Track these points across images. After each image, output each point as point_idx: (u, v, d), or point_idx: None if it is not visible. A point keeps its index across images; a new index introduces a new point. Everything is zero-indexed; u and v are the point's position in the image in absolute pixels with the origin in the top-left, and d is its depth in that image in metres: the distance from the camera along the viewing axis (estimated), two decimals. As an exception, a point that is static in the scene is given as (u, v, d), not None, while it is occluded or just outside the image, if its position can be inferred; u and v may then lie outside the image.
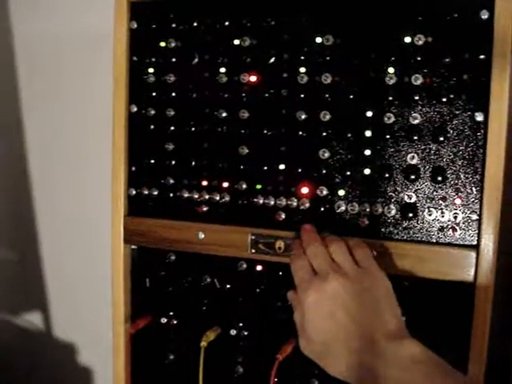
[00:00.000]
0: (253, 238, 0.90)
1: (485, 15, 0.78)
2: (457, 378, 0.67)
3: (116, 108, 0.98)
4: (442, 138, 0.81)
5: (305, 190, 0.88)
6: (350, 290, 0.72)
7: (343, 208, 0.86)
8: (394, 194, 0.84)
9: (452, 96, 0.80)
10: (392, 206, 0.84)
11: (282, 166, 0.89)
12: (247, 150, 0.91)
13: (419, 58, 0.82)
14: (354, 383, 0.71)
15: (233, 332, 0.96)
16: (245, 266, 0.93)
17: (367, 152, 0.84)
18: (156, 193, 0.97)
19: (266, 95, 0.89)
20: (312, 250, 0.78)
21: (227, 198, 0.92)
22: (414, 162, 0.82)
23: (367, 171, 0.85)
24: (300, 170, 0.88)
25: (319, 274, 0.75)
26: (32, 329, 1.79)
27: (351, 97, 0.85)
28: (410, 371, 0.66)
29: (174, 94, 0.95)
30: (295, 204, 0.88)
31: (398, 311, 0.74)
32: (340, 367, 0.72)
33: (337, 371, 0.73)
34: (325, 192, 0.86)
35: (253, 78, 0.90)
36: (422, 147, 0.82)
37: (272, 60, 0.89)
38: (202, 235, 0.93)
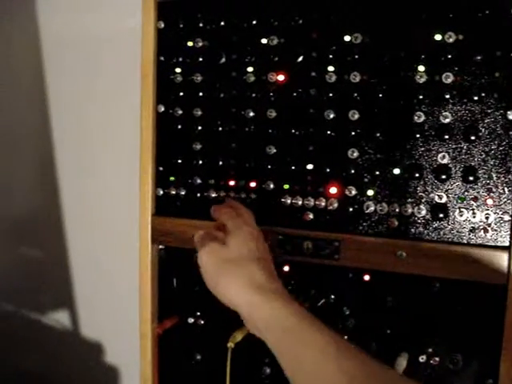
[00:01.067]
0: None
1: (517, 12, 0.77)
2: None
3: (143, 108, 0.98)
4: (473, 137, 0.80)
5: (333, 190, 0.87)
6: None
7: (372, 208, 0.85)
8: (424, 194, 0.83)
9: (483, 94, 0.79)
10: (422, 207, 0.82)
11: (309, 166, 0.88)
12: (275, 150, 0.90)
13: (450, 56, 0.80)
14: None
15: (260, 333, 0.95)
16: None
17: (397, 151, 0.83)
18: (183, 192, 0.97)
19: (294, 94, 0.89)
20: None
21: (254, 198, 0.92)
22: (445, 161, 0.81)
23: (397, 171, 0.84)
24: (328, 170, 0.87)
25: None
26: (59, 328, 1.80)
27: (380, 96, 0.84)
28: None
29: (201, 94, 0.95)
30: (323, 204, 0.87)
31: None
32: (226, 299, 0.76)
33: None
34: (353, 192, 0.86)
35: (280, 78, 0.89)
36: (453, 146, 0.81)
37: (300, 59, 0.88)
38: (229, 235, 0.92)
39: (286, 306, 0.70)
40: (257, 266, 0.75)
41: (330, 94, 0.86)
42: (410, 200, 0.83)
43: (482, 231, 0.80)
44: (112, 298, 1.66)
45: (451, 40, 0.80)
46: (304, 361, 0.66)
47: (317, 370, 0.64)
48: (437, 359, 0.85)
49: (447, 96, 0.81)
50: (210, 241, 0.78)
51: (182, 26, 0.96)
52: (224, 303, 0.76)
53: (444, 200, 0.82)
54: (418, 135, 0.82)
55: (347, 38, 0.85)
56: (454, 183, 0.81)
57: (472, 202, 0.81)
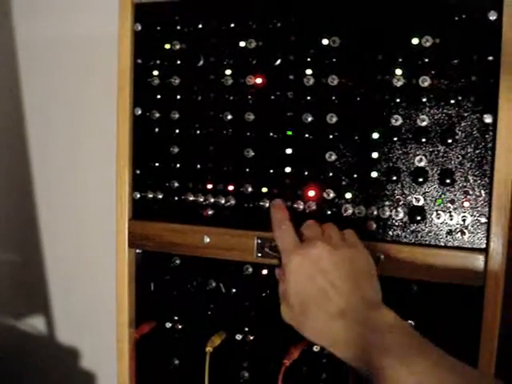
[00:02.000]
0: (259, 241, 0.89)
1: (493, 16, 0.78)
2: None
3: (120, 111, 0.97)
4: (450, 141, 0.80)
5: (311, 193, 0.87)
6: (334, 257, 0.73)
7: (350, 211, 0.85)
8: (401, 197, 0.83)
9: (460, 98, 0.80)
10: (400, 209, 0.83)
11: (288, 169, 0.88)
12: (253, 153, 0.90)
13: (427, 60, 0.81)
14: (329, 347, 0.71)
15: (238, 337, 0.95)
16: (250, 269, 0.93)
17: (374, 154, 0.84)
18: (161, 196, 0.96)
19: (272, 97, 0.89)
20: (306, 223, 0.80)
21: (233, 202, 0.92)
22: (422, 164, 0.82)
23: (374, 174, 0.84)
24: (306, 173, 0.87)
25: (307, 240, 0.77)
26: (35, 333, 1.78)
27: (358, 99, 0.84)
28: (389, 335, 0.66)
29: (178, 97, 0.94)
30: (302, 207, 0.87)
31: (378, 285, 0.76)
32: (317, 331, 0.72)
33: (314, 335, 0.73)
34: (332, 195, 0.86)
35: (258, 81, 0.89)
36: (430, 149, 0.81)
37: (278, 62, 0.88)
38: (207, 239, 0.92)
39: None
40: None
41: (308, 97, 0.87)
42: (387, 203, 0.83)
43: (459, 233, 0.81)
44: (88, 303, 1.64)
45: (428, 44, 0.80)
46: None
47: None
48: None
49: (424, 99, 0.81)
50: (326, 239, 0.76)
51: (159, 28, 0.95)
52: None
53: (421, 203, 0.82)
54: (395, 138, 0.83)
55: (325, 42, 0.85)
56: (431, 186, 0.82)
57: (449, 205, 0.81)
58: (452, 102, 0.80)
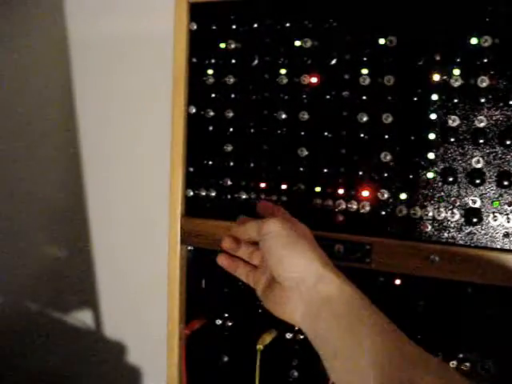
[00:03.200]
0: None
1: (555, 15, 0.76)
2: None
3: (175, 109, 0.98)
4: (508, 142, 0.79)
5: (365, 193, 0.87)
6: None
7: (405, 212, 0.84)
8: (457, 199, 0.82)
9: (519, 99, 0.79)
10: (456, 211, 0.82)
11: (342, 169, 0.88)
12: (306, 152, 0.90)
13: (485, 60, 0.80)
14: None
15: (289, 335, 0.95)
16: (302, 268, 0.92)
17: (431, 155, 0.83)
18: (214, 194, 0.97)
19: (327, 97, 0.89)
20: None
21: (285, 200, 0.92)
22: (479, 165, 0.80)
23: (430, 175, 0.83)
24: (361, 173, 0.87)
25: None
26: (82, 327, 1.81)
27: (415, 99, 0.83)
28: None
29: (233, 96, 0.95)
30: (355, 207, 0.87)
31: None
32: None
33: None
34: (386, 195, 0.85)
35: (314, 80, 0.89)
36: (488, 151, 0.80)
37: (333, 61, 0.88)
38: (259, 237, 0.92)
39: (352, 286, 0.73)
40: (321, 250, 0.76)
41: (364, 97, 0.86)
42: (443, 204, 0.83)
43: (517, 236, 0.80)
44: (136, 298, 1.66)
45: (487, 44, 0.79)
46: (348, 346, 0.67)
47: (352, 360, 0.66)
48: (468, 365, 0.84)
49: (482, 100, 0.80)
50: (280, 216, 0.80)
51: (214, 27, 0.96)
52: (281, 271, 0.75)
53: (478, 204, 0.81)
54: (452, 139, 0.82)
55: (382, 41, 0.85)
56: (489, 187, 0.80)
57: (506, 207, 0.80)
58: (511, 102, 0.79)
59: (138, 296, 1.65)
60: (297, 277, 0.73)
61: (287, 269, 0.74)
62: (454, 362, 0.85)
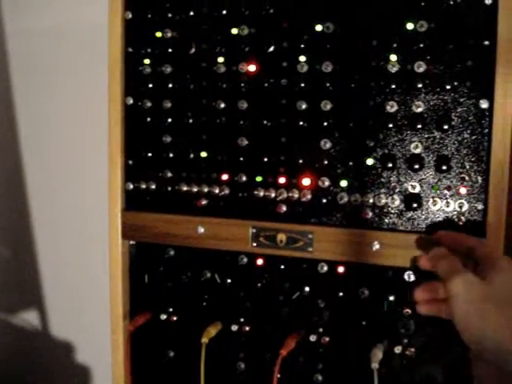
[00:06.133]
0: (254, 231, 0.88)
1: (489, 0, 0.76)
2: None
3: (111, 101, 0.96)
4: (446, 127, 0.79)
5: (306, 182, 0.86)
6: None
7: (346, 199, 0.84)
8: (397, 184, 0.82)
9: (456, 83, 0.79)
10: (396, 197, 0.82)
11: (282, 157, 0.87)
12: (246, 142, 0.89)
13: (422, 45, 0.80)
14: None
15: (234, 327, 0.94)
16: (246, 260, 0.92)
17: (370, 142, 0.83)
18: (154, 186, 0.95)
19: (266, 85, 0.88)
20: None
21: (227, 191, 0.91)
22: (418, 151, 0.81)
23: (370, 161, 0.83)
24: (301, 161, 0.86)
25: None
26: (28, 328, 1.77)
27: (353, 85, 0.83)
28: None
29: (170, 86, 0.93)
30: (297, 196, 0.86)
31: None
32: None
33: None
34: (327, 183, 0.85)
35: (252, 68, 0.88)
36: (426, 136, 0.80)
37: (271, 49, 0.87)
38: (201, 229, 0.91)
39: None
40: None
41: (302, 84, 0.85)
42: (383, 190, 0.83)
43: (456, 221, 0.80)
44: (81, 296, 1.63)
45: (423, 29, 0.79)
46: None
47: None
48: (412, 350, 0.85)
49: (420, 85, 0.80)
50: (464, 270, 0.69)
51: (150, 16, 0.94)
52: (474, 344, 0.67)
53: (417, 190, 0.81)
54: (390, 125, 0.82)
55: (319, 28, 0.84)
56: (428, 173, 0.81)
57: (445, 192, 0.80)
58: (448, 87, 0.79)
59: (83, 293, 1.62)
60: (495, 345, 0.65)
61: (475, 339, 0.67)
62: (399, 348, 0.85)
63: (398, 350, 0.85)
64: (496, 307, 0.65)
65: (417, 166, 0.81)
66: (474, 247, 0.73)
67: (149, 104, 0.94)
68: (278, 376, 0.88)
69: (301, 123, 0.86)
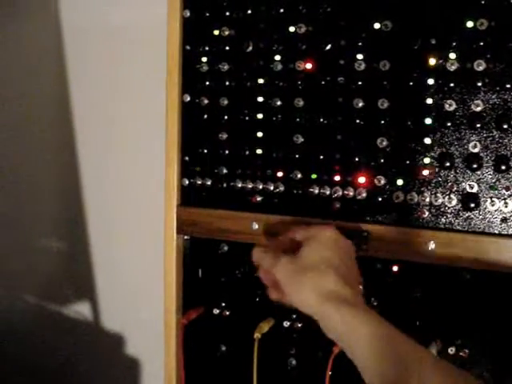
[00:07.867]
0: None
1: (551, -3, 0.75)
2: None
3: (169, 98, 0.97)
4: (505, 126, 0.78)
5: (362, 180, 0.86)
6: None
7: (402, 198, 0.84)
8: (454, 184, 0.81)
9: (516, 82, 0.78)
10: (453, 196, 0.81)
11: (338, 155, 0.87)
12: (302, 139, 0.89)
13: (482, 43, 0.79)
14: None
15: (286, 324, 0.95)
16: (299, 256, 0.92)
17: (427, 140, 0.82)
18: (209, 182, 0.96)
19: (322, 83, 0.88)
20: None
21: (282, 188, 0.91)
22: (476, 150, 0.80)
23: (427, 160, 0.82)
24: (357, 159, 0.86)
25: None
26: (81, 319, 1.80)
27: (411, 84, 0.82)
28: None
29: (227, 83, 0.94)
30: (352, 194, 0.86)
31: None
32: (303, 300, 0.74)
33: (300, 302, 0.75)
34: (383, 182, 0.85)
35: (308, 66, 0.88)
36: (485, 135, 0.80)
37: (328, 47, 0.87)
38: (255, 225, 0.92)
39: (356, 315, 0.69)
40: (326, 274, 0.72)
41: (359, 83, 0.85)
42: (440, 190, 0.82)
43: (514, 221, 0.79)
44: (134, 289, 1.66)
45: (483, 27, 0.78)
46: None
47: None
48: (466, 351, 0.84)
49: (479, 84, 0.79)
50: (279, 256, 0.77)
51: (208, 14, 0.95)
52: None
53: (475, 189, 0.80)
54: (448, 124, 0.81)
55: (377, 26, 0.84)
56: (486, 172, 0.80)
57: (504, 192, 0.79)
58: (508, 86, 0.78)
59: (136, 287, 1.64)
60: (311, 315, 0.74)
61: (301, 309, 0.75)
62: (453, 349, 0.84)
63: (451, 350, 0.85)
64: (303, 276, 0.73)
65: (475, 166, 0.80)
66: (296, 235, 0.81)
67: (206, 101, 0.95)
68: (330, 373, 0.88)
69: (357, 121, 0.86)
